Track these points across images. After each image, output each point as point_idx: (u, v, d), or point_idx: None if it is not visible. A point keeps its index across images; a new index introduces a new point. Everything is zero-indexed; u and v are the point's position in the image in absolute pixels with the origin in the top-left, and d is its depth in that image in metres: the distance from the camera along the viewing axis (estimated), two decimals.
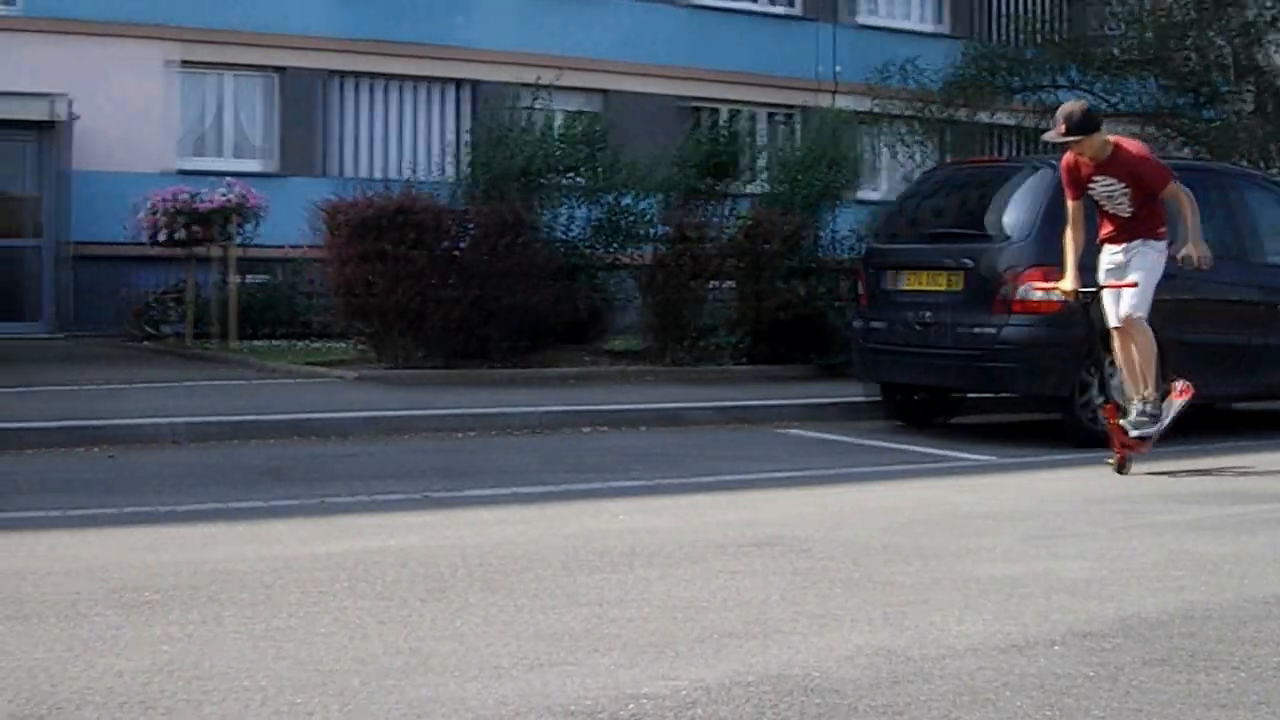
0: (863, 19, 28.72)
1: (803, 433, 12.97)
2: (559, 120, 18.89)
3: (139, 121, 22.39)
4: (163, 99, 22.85)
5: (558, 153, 17.82)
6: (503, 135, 17.81)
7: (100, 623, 5.54)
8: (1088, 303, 10.81)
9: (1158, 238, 10.59)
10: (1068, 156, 10.66)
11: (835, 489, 9.83)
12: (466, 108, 25.11)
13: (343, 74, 24.30)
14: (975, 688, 4.77)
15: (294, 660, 5.00)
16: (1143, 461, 10.44)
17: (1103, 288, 10.63)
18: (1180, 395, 10.83)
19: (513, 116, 18.25)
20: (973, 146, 24.49)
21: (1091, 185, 10.57)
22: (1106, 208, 10.64)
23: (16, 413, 11.85)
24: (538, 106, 18.27)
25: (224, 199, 18.69)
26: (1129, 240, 10.59)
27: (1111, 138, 10.66)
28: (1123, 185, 10.47)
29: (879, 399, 13.95)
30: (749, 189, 19.53)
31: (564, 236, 17.73)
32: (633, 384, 15.66)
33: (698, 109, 25.99)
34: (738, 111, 25.70)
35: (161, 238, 18.86)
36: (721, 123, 21.00)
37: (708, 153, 18.77)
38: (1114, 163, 10.47)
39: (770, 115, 27.63)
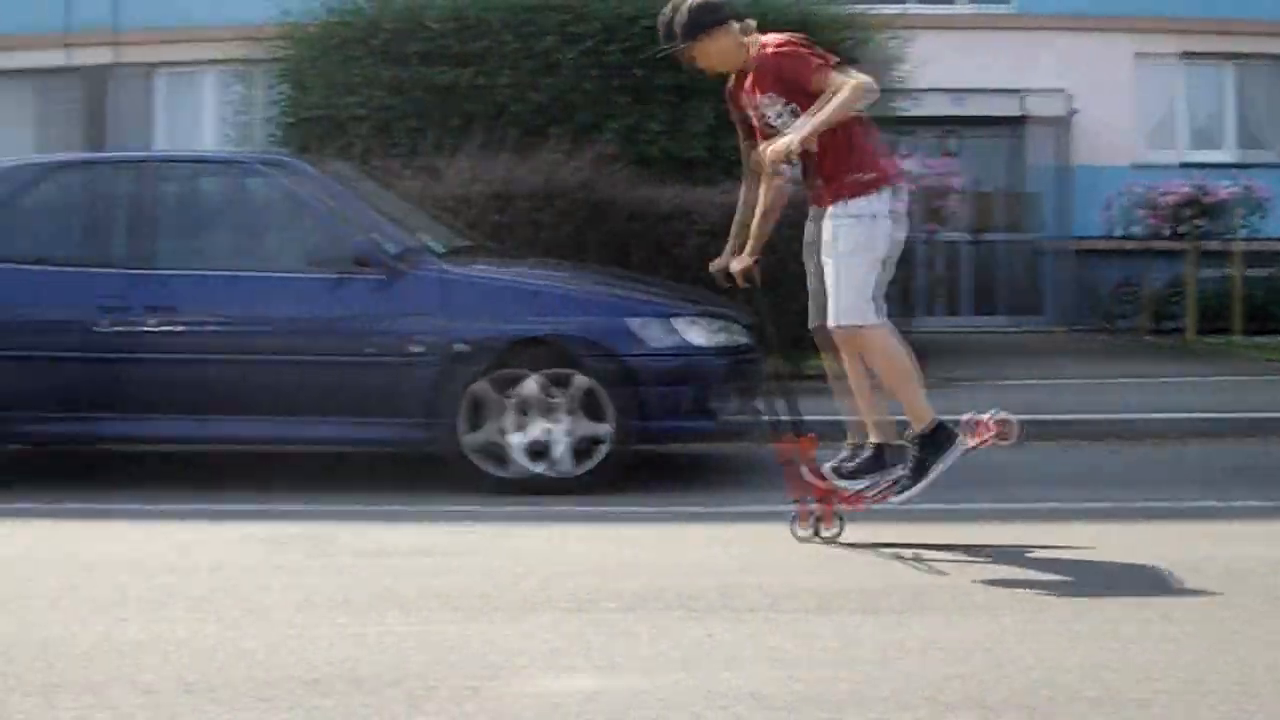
0: None
1: None
2: None
3: (1125, 114, 22.25)
4: (1158, 91, 22.63)
5: None
6: None
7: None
8: (746, 286, 7.23)
9: (851, 193, 6.77)
10: (730, 81, 7.13)
11: None
12: None
13: None
14: None
15: None
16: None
17: (742, 270, 7.19)
18: (983, 435, 6.92)
19: None
20: None
21: (754, 115, 6.99)
22: None
23: (1049, 405, 12.01)
24: None
25: (1229, 191, 18.32)
26: (819, 201, 6.93)
27: (760, 38, 6.96)
28: (782, 101, 6.82)
29: None
30: None
31: None
32: None
33: None
34: None
35: (1166, 232, 18.75)
36: None
37: None
38: (759, 72, 6.89)
39: None
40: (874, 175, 6.80)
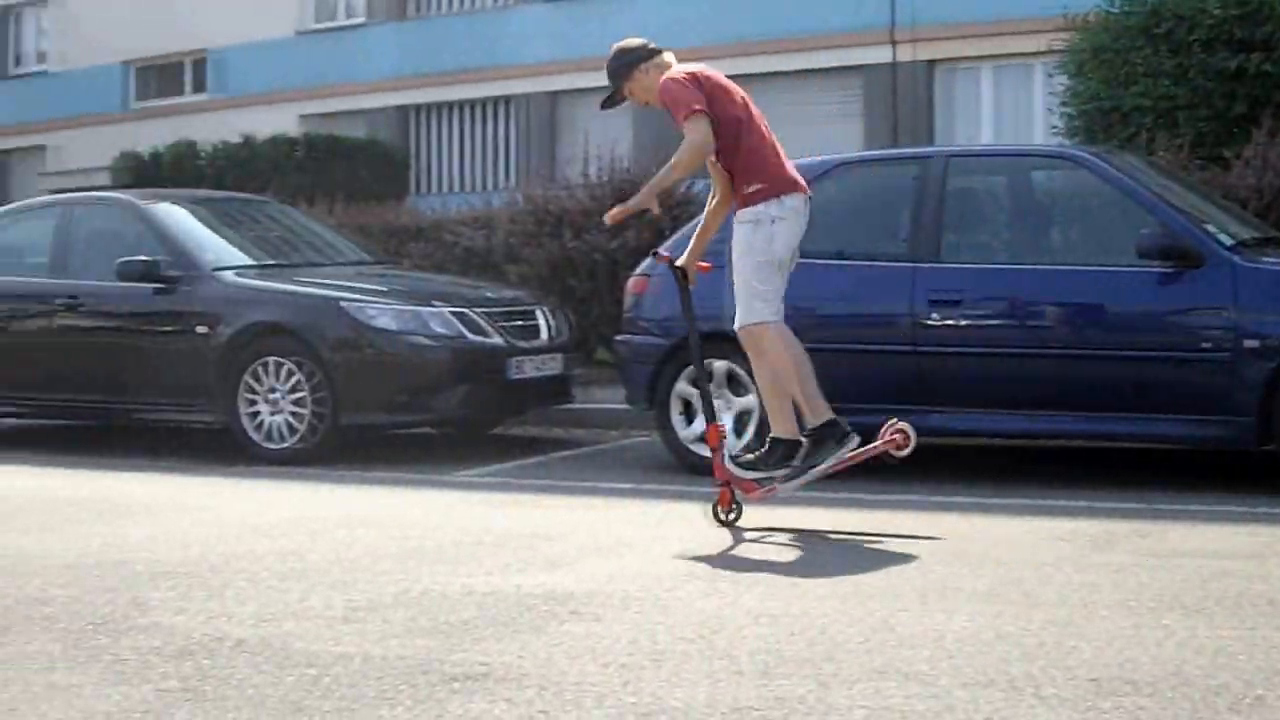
0: None
1: None
2: None
3: None
4: None
5: None
6: None
7: None
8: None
9: (746, 202, 7.40)
10: None
11: None
12: None
13: None
14: None
15: None
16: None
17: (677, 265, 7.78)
18: (892, 440, 7.58)
19: None
20: None
21: None
22: None
23: None
24: None
25: None
26: None
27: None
28: None
29: None
30: None
31: None
32: None
33: None
34: None
35: None
36: None
37: None
38: None
39: None
40: (760, 186, 7.32)
